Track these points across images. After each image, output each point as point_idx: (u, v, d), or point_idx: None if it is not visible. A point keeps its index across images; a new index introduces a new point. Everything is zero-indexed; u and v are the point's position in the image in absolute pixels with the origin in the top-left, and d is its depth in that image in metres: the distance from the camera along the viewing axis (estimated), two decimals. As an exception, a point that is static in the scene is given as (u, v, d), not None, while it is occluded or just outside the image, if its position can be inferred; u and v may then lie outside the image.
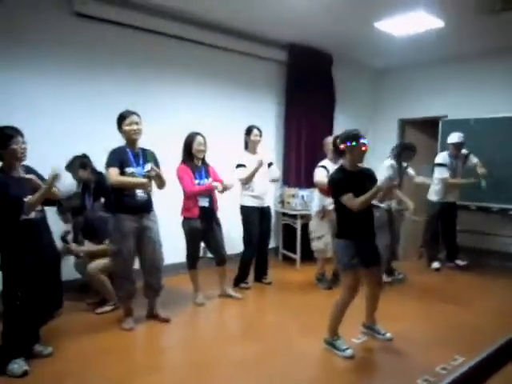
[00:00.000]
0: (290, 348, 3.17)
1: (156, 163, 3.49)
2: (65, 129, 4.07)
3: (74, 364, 2.84)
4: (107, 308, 3.74)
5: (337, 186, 2.99)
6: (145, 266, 3.50)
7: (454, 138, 5.20)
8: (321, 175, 4.39)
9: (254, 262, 4.67)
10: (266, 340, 3.33)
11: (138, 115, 3.40)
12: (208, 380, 2.72)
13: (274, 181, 4.71)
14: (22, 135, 2.72)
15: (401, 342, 3.24)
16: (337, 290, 4.13)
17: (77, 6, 4.02)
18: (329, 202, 4.45)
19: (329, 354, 3.02)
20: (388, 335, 3.24)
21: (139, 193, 3.36)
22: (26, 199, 2.63)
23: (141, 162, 3.40)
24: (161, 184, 3.50)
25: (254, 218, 4.42)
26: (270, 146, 5.80)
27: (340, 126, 6.32)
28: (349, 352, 2.95)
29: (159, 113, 4.69)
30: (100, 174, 3.87)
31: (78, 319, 3.57)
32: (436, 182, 5.32)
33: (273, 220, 5.74)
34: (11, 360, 2.62)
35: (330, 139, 4.53)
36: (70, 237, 3.87)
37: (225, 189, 3.95)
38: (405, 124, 6.97)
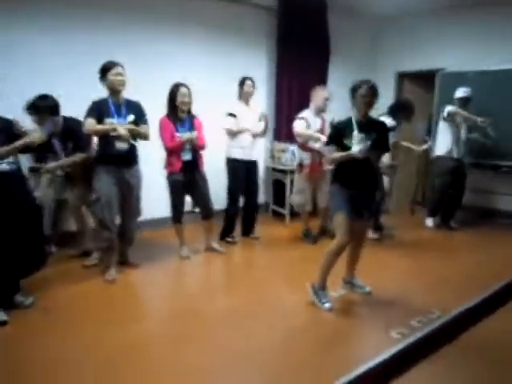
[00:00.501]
0: (273, 300, 3.21)
1: (140, 114, 3.44)
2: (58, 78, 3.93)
3: (55, 314, 2.88)
4: (94, 261, 3.70)
5: (329, 133, 3.04)
6: (122, 215, 3.57)
7: (460, 92, 5.02)
8: (300, 127, 4.32)
9: (241, 216, 4.67)
10: (250, 293, 3.36)
11: (122, 66, 3.33)
12: (191, 329, 2.74)
13: (263, 132, 4.54)
14: None
15: (380, 295, 3.27)
16: (322, 244, 4.16)
17: None
18: (305, 157, 4.41)
19: (311, 306, 3.05)
20: (367, 289, 3.27)
21: (118, 144, 3.32)
22: None
23: (123, 112, 3.35)
24: (140, 136, 3.44)
25: (240, 171, 4.38)
26: (261, 98, 5.65)
27: (335, 77, 6.13)
28: (327, 305, 2.99)
29: (144, 65, 4.50)
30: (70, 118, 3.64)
31: (61, 270, 3.59)
32: (447, 136, 5.10)
33: (263, 175, 5.74)
34: (-10, 310, 2.64)
35: (322, 90, 4.42)
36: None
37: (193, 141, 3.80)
38: (402, 77, 6.74)
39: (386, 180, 4.77)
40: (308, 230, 4.66)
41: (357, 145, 2.89)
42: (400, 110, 4.61)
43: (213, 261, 4.15)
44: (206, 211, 4.07)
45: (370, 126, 2.98)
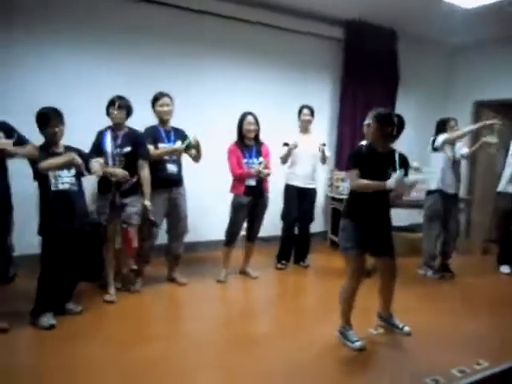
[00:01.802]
0: (301, 331, 3.14)
1: (186, 141, 3.69)
2: None
3: (98, 322, 3.13)
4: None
5: (349, 159, 2.93)
6: (170, 233, 3.81)
7: None
8: None
9: (294, 245, 4.66)
10: (279, 321, 3.35)
11: (169, 97, 3.63)
12: (207, 354, 2.78)
13: (323, 160, 4.52)
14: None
15: (423, 338, 3.04)
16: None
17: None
18: None
19: (339, 343, 2.92)
20: (406, 329, 3.06)
21: (170, 168, 3.62)
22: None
23: (172, 138, 3.65)
24: (196, 155, 3.76)
25: (293, 198, 4.41)
26: (324, 127, 5.66)
27: (404, 106, 5.94)
28: (358, 344, 2.83)
29: (212, 95, 4.81)
30: None
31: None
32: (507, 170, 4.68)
33: (322, 204, 5.70)
34: (42, 314, 2.93)
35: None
36: None
37: (261, 174, 3.92)
38: (480, 106, 6.33)
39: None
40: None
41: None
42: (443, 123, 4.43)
43: (250, 286, 4.15)
44: (254, 234, 4.15)
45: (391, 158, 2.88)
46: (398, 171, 2.77)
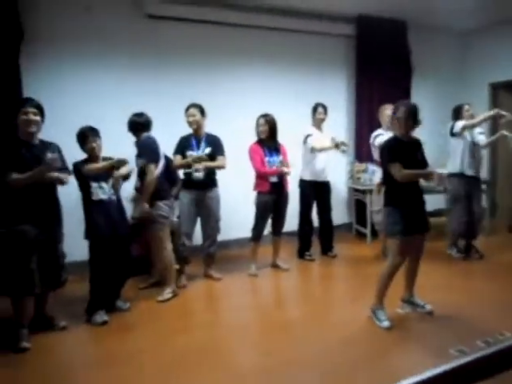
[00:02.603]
0: (332, 314, 3.38)
1: (218, 147, 3.98)
2: None
3: (145, 316, 3.43)
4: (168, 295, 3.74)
5: (388, 153, 3.08)
6: (204, 234, 4.11)
7: None
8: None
9: (318, 236, 4.87)
10: (310, 306, 3.59)
11: (196, 107, 3.91)
12: (245, 339, 3.06)
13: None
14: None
15: (449, 315, 3.22)
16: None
17: (146, 8, 4.56)
18: None
19: (370, 322, 3.14)
20: (428, 307, 3.23)
21: (195, 174, 3.91)
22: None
23: (202, 146, 3.93)
24: (217, 167, 4.01)
25: (309, 192, 4.64)
26: (341, 122, 5.84)
27: (421, 95, 6.07)
28: (386, 323, 3.04)
29: (232, 98, 5.09)
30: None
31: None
32: None
33: (345, 196, 5.88)
34: (95, 312, 3.26)
35: (387, 108, 4.49)
36: None
37: (284, 172, 4.19)
38: (496, 88, 6.37)
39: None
40: (387, 248, 4.66)
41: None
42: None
43: (280, 277, 4.39)
44: (279, 228, 4.40)
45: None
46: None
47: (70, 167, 3.19)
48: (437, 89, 6.41)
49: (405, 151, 3.04)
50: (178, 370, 2.61)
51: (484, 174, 6.23)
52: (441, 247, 4.80)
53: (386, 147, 3.13)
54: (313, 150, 4.53)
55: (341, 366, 2.61)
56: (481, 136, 4.63)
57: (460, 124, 4.43)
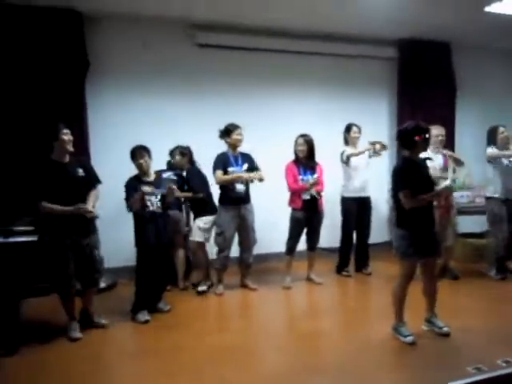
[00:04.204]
0: (358, 327, 3.52)
1: (251, 163, 4.30)
2: (196, 140, 4.82)
3: (183, 318, 3.76)
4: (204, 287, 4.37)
5: (398, 179, 3.14)
6: (241, 245, 4.39)
7: None
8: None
9: (355, 253, 4.99)
10: (339, 319, 3.77)
11: (241, 128, 4.26)
12: (273, 342, 3.31)
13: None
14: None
15: (472, 334, 3.26)
16: (442, 284, 3.98)
17: (197, 38, 5.04)
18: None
19: (391, 338, 3.22)
20: (445, 329, 3.24)
21: (238, 188, 4.19)
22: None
23: (239, 162, 4.27)
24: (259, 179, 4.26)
25: (352, 209, 4.78)
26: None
27: (464, 117, 6.08)
28: (410, 338, 3.11)
29: (278, 123, 5.41)
30: (193, 165, 4.52)
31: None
32: None
33: (385, 213, 5.94)
34: (139, 311, 3.64)
35: (433, 129, 4.55)
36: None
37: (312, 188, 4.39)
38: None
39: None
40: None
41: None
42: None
43: (312, 290, 4.57)
44: (313, 244, 4.59)
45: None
46: (448, 180, 3.10)
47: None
48: (482, 110, 6.32)
49: (417, 171, 3.11)
50: (209, 366, 2.91)
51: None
52: (480, 268, 4.81)
53: (397, 172, 3.17)
54: (349, 157, 4.68)
55: (356, 375, 2.76)
56: None
57: (488, 152, 4.50)
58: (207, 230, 4.36)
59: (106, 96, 4.84)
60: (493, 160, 4.52)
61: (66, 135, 3.28)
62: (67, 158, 3.36)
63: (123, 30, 4.84)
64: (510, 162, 4.52)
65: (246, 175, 4.18)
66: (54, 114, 4.29)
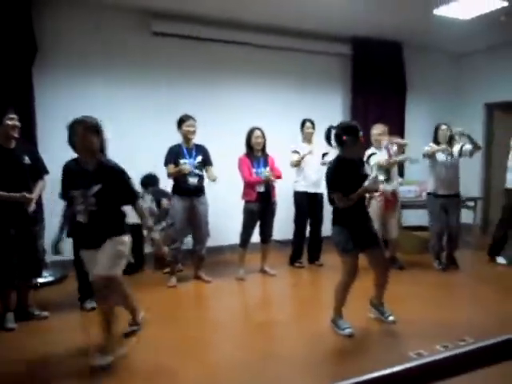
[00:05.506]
0: (306, 318, 3.58)
1: (207, 156, 4.26)
2: (142, 128, 4.95)
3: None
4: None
5: (331, 181, 3.13)
6: (194, 237, 4.38)
7: None
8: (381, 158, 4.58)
9: (307, 245, 5.09)
10: (288, 309, 3.84)
11: (194, 119, 4.20)
12: (225, 334, 3.30)
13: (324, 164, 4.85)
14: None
15: (411, 321, 3.37)
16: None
17: (153, 26, 4.95)
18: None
19: (332, 330, 3.25)
20: (390, 318, 3.34)
21: (190, 180, 4.16)
22: None
23: (193, 154, 4.22)
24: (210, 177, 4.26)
25: (303, 203, 4.85)
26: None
27: (413, 114, 6.32)
28: (348, 331, 3.15)
29: (228, 113, 5.40)
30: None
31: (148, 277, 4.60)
32: None
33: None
34: (85, 300, 3.61)
35: (374, 128, 4.79)
36: None
37: (269, 181, 4.43)
38: (491, 108, 6.56)
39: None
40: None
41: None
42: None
43: (264, 282, 4.64)
44: (266, 236, 4.64)
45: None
46: (372, 173, 3.17)
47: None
48: (431, 108, 6.62)
49: (348, 170, 3.09)
50: (162, 358, 2.85)
51: (475, 191, 6.43)
52: (426, 260, 5.06)
53: (329, 174, 3.16)
54: (293, 165, 4.80)
55: (310, 360, 2.82)
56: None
57: (424, 150, 4.70)
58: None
59: (55, 81, 4.65)
60: (428, 157, 4.72)
61: (11, 120, 3.15)
62: (13, 144, 3.23)
63: (74, 14, 4.68)
64: (447, 157, 4.70)
65: (187, 168, 4.07)
66: (-1, 99, 4.08)
